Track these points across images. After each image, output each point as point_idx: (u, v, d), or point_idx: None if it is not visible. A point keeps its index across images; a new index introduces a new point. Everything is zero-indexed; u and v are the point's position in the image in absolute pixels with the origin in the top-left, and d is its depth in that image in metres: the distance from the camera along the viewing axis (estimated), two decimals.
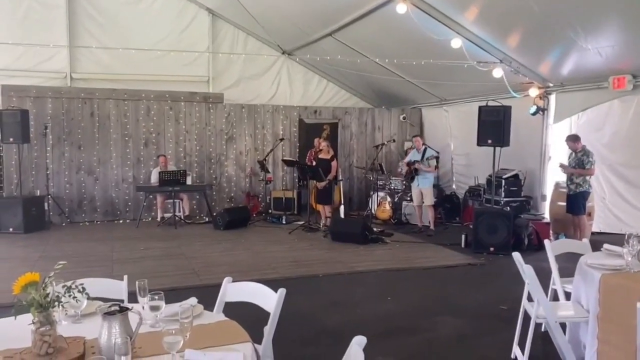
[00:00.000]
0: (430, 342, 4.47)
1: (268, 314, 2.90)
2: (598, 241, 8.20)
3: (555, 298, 4.47)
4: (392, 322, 4.91)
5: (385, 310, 5.22)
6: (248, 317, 2.80)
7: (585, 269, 3.76)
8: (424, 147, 9.46)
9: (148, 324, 2.40)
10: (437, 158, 9.57)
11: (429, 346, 4.39)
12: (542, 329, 4.33)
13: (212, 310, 2.95)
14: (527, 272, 3.66)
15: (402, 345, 4.37)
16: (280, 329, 2.89)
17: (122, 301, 3.16)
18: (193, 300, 2.89)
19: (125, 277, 3.35)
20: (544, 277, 3.82)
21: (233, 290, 3.22)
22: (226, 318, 2.68)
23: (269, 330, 2.88)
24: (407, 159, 9.77)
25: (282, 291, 2.91)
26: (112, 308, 2.12)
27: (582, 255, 4.53)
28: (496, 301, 5.49)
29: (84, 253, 7.60)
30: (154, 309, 2.45)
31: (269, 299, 2.97)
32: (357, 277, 6.46)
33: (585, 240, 4.63)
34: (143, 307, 2.56)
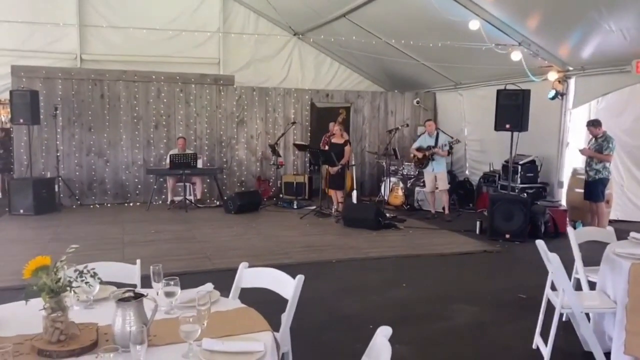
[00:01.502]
0: (449, 330, 4.37)
1: (284, 300, 2.79)
2: (616, 229, 8.06)
3: (577, 287, 4.33)
4: (408, 309, 4.81)
5: (400, 297, 5.12)
6: (264, 303, 2.69)
7: (613, 258, 3.62)
8: (436, 131, 9.28)
9: (163, 311, 2.30)
10: (451, 143, 9.36)
11: (447, 335, 4.28)
12: (564, 319, 4.20)
13: (227, 297, 2.85)
14: (552, 260, 3.53)
15: (420, 332, 4.26)
16: (296, 314, 2.79)
17: (135, 286, 3.07)
18: (209, 286, 2.79)
19: (138, 261, 3.26)
20: (567, 269, 3.69)
21: (249, 276, 3.12)
22: (244, 305, 2.57)
23: (287, 317, 2.77)
24: (416, 145, 9.58)
25: (300, 278, 2.80)
26: (127, 294, 2.02)
27: (605, 243, 4.42)
28: (514, 289, 5.36)
29: (95, 235, 7.54)
30: (169, 295, 2.34)
31: (287, 286, 2.87)
32: (370, 263, 6.36)
33: (610, 228, 4.47)
34: (157, 293, 2.45)
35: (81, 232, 7.70)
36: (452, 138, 9.35)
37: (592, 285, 4.17)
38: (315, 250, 6.80)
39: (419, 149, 9.38)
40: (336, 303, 4.95)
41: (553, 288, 3.87)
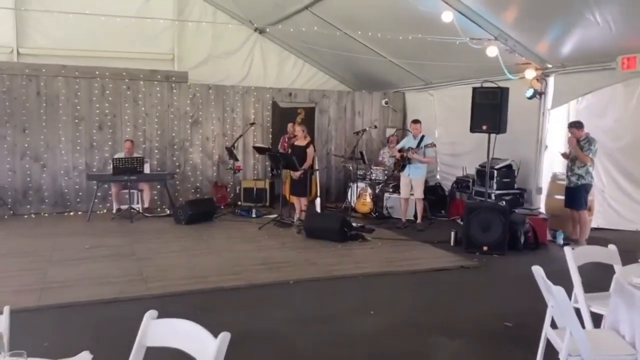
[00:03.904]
0: None
1: None
2: (598, 238, 7.53)
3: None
4: (377, 343, 4.03)
5: (367, 328, 4.33)
6: None
7: (630, 291, 2.91)
8: (421, 135, 8.52)
9: None
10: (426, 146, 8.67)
11: None
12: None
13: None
14: (556, 295, 2.80)
15: None
16: (235, 354, 1.99)
17: None
18: (85, 356, 1.94)
19: (7, 309, 2.37)
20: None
21: (156, 331, 2.26)
22: None
23: None
24: (399, 145, 8.83)
25: (224, 337, 1.97)
26: None
27: (608, 264, 3.76)
28: (498, 315, 4.65)
29: (19, 252, 6.56)
30: None
31: (206, 348, 2.03)
32: (334, 283, 5.55)
33: (612, 247, 3.78)
34: None
35: (4, 249, 6.69)
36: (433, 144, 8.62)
37: (594, 317, 3.49)
38: (271, 269, 5.96)
39: (400, 151, 8.64)
40: (288, 336, 4.13)
41: (553, 326, 3.15)
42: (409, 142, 8.61)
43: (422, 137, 8.43)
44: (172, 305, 4.62)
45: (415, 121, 8.72)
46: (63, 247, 6.84)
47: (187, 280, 5.40)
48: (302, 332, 4.24)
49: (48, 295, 4.86)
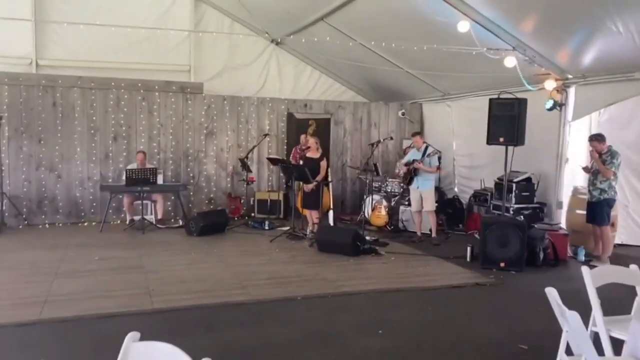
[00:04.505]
0: None
1: None
2: (621, 255, 7.24)
3: (596, 343, 3.40)
4: None
5: (375, 350, 4.15)
6: None
7: None
8: (424, 145, 8.40)
9: None
10: (439, 157, 8.52)
11: None
12: None
13: None
14: (570, 321, 2.60)
15: None
16: None
17: None
18: None
19: None
20: (570, 306, 2.80)
21: (137, 354, 2.13)
22: None
23: None
24: (405, 159, 8.71)
25: None
26: None
27: (628, 285, 3.53)
28: (513, 336, 4.43)
29: (29, 263, 6.54)
30: None
31: None
32: (342, 300, 5.37)
33: (634, 267, 3.55)
34: None
35: (14, 260, 6.68)
36: (439, 152, 8.48)
37: (614, 343, 3.26)
38: (280, 283, 5.82)
39: (406, 164, 8.49)
40: (288, 357, 3.97)
41: (568, 352, 2.95)
42: (413, 155, 8.48)
43: (426, 147, 8.29)
44: (174, 321, 4.51)
45: (416, 133, 8.79)
46: (73, 258, 6.81)
47: (192, 295, 5.29)
48: (304, 352, 4.08)
49: (50, 309, 4.78)
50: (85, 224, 9.32)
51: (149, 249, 7.38)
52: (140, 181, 8.45)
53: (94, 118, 9.46)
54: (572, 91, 7.69)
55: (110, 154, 9.59)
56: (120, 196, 9.25)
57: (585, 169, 7.37)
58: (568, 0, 6.01)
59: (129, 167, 8.94)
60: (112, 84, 9.56)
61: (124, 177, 8.82)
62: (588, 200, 7.18)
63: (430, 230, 8.46)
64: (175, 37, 10.42)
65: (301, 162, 8.58)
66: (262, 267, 6.56)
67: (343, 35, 9.07)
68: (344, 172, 11.03)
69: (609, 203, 6.97)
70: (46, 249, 7.40)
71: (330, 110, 10.97)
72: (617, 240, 7.82)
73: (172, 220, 9.62)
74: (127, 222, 9.12)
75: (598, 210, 7.00)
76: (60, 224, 9.24)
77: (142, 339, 2.08)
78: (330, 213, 8.86)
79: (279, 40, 11.08)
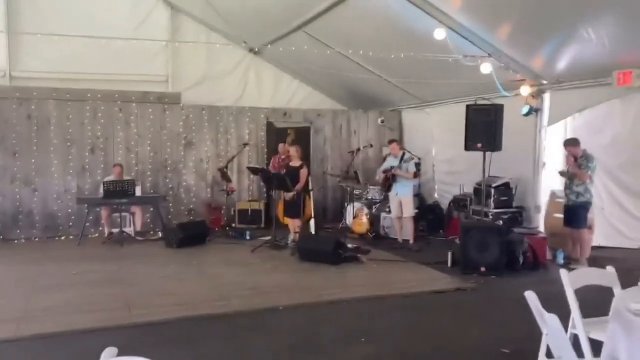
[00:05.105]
0: None
1: None
2: (599, 257, 7.34)
3: (575, 346, 3.43)
4: None
5: (358, 357, 4.13)
6: None
7: (627, 317, 2.73)
8: (401, 152, 8.45)
9: None
10: (417, 164, 8.58)
11: None
12: None
13: None
14: (550, 323, 2.62)
15: None
16: None
17: None
18: None
19: None
20: (550, 309, 2.83)
21: None
22: None
23: None
24: (383, 167, 8.77)
25: None
26: None
27: (605, 287, 3.58)
28: (495, 340, 4.45)
29: (5, 279, 6.41)
30: None
31: None
32: (325, 309, 5.35)
33: (610, 269, 3.60)
34: None
35: None
36: (417, 159, 8.56)
37: (593, 344, 3.29)
38: (261, 294, 5.77)
39: (384, 172, 8.54)
40: None
41: (549, 355, 2.97)
42: (391, 162, 8.55)
43: (403, 154, 8.37)
44: (154, 335, 4.44)
45: (392, 141, 8.87)
46: (49, 273, 6.68)
47: (172, 307, 5.22)
48: None
49: (27, 325, 4.67)
50: (63, 238, 9.15)
51: (127, 262, 7.27)
52: (118, 193, 8.34)
53: (70, 130, 9.32)
54: (547, 96, 7.81)
55: (87, 166, 9.45)
56: (98, 209, 9.10)
57: (562, 173, 7.48)
58: (541, 8, 6.11)
59: (106, 178, 8.81)
60: (89, 95, 9.45)
61: (101, 190, 8.70)
62: (565, 203, 7.28)
63: (409, 236, 8.49)
64: (152, 47, 10.33)
65: (283, 171, 8.55)
66: (243, 277, 6.50)
67: (321, 43, 9.10)
68: (324, 180, 11.03)
69: (586, 206, 7.08)
70: (22, 264, 7.25)
71: (310, 119, 10.99)
72: (595, 243, 7.93)
73: (151, 232, 9.50)
74: (106, 235, 8.98)
75: (575, 213, 7.11)
76: (37, 239, 9.06)
77: (120, 354, 2.03)
78: (312, 222, 8.84)
79: (257, 50, 11.06)
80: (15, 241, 8.90)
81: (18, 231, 9.05)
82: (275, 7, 8.62)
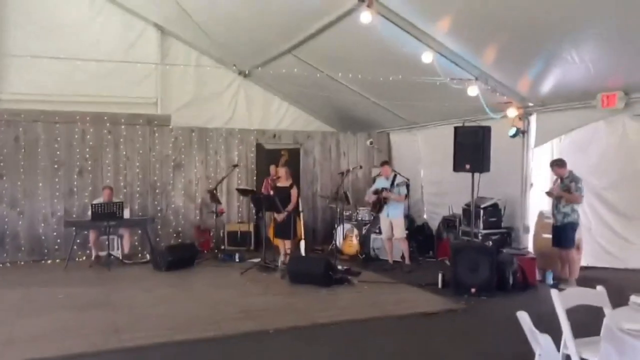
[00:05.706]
0: None
1: None
2: (587, 277, 7.39)
3: None
4: None
5: None
6: None
7: (620, 337, 2.75)
8: (393, 174, 8.52)
9: None
10: (407, 185, 8.64)
11: None
12: None
13: None
14: (543, 344, 2.63)
15: None
16: None
17: None
18: None
19: None
20: (541, 329, 2.83)
21: None
22: None
23: None
24: (372, 188, 8.81)
25: None
26: None
27: (594, 307, 3.60)
28: None
29: None
30: None
31: None
32: (316, 331, 5.30)
33: (600, 289, 3.63)
34: None
35: None
36: (407, 180, 8.61)
37: None
38: (252, 317, 5.71)
39: (375, 193, 8.58)
40: None
41: None
42: (381, 183, 8.60)
43: (395, 176, 8.42)
44: (143, 359, 4.38)
45: (384, 162, 8.88)
46: (35, 297, 6.56)
47: (160, 332, 5.14)
48: None
49: (12, 352, 4.57)
50: (49, 261, 9.02)
51: (115, 286, 7.18)
52: (106, 216, 8.27)
53: (58, 152, 9.26)
54: (533, 118, 7.94)
55: (75, 189, 9.37)
56: (86, 232, 9.00)
57: (549, 194, 7.55)
58: (527, 33, 6.25)
59: (94, 201, 8.74)
60: (77, 117, 9.42)
61: (89, 212, 8.62)
62: (553, 224, 7.35)
63: (403, 257, 8.50)
64: (142, 69, 10.33)
65: (272, 192, 8.55)
66: (233, 299, 6.44)
67: (310, 67, 9.19)
68: (314, 201, 11.04)
69: (573, 226, 7.15)
70: (7, 288, 7.12)
71: (300, 140, 11.04)
72: (583, 263, 7.98)
73: (140, 255, 9.40)
74: (93, 258, 8.87)
75: (563, 233, 7.17)
76: (23, 262, 8.91)
77: None
78: (302, 243, 8.82)
79: (247, 72, 11.15)
80: (1, 265, 8.75)
81: (4, 255, 8.90)
82: (265, 31, 8.71)
